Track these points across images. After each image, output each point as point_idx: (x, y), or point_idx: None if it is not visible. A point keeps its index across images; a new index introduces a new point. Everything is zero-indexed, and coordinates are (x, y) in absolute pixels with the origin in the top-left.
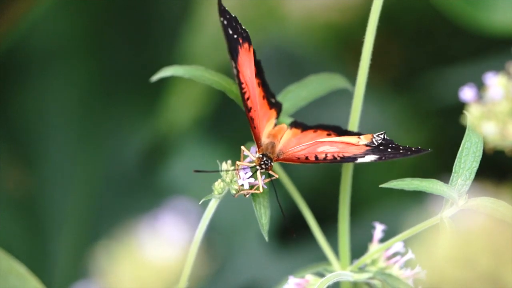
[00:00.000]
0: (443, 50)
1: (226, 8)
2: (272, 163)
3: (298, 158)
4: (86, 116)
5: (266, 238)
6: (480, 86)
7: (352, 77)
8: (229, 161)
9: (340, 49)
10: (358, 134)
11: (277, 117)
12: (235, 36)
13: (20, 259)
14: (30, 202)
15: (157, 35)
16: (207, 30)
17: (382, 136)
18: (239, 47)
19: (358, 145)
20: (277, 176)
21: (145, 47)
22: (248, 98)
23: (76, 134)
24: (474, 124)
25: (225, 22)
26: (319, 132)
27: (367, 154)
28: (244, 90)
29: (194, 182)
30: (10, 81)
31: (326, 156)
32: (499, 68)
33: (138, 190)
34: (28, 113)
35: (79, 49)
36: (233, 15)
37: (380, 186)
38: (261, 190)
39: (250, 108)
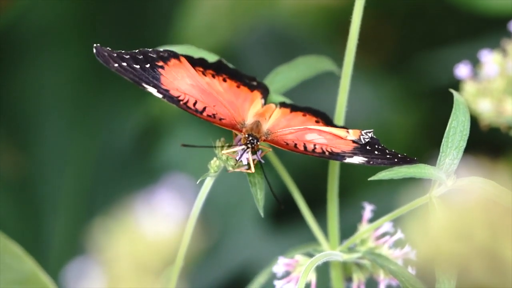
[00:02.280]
0: (437, 30)
1: (122, 52)
2: (258, 142)
3: (287, 144)
4: (80, 98)
5: (262, 214)
6: (475, 66)
7: (344, 58)
8: (222, 139)
9: (332, 30)
10: (343, 127)
11: (263, 97)
12: (147, 66)
13: (16, 239)
14: (26, 184)
15: (151, 18)
16: (201, 12)
17: (370, 135)
18: (160, 69)
19: (345, 140)
20: (270, 150)
21: (139, 30)
22: (195, 103)
23: (71, 116)
24: (469, 101)
25: (124, 64)
26: (308, 116)
27: (355, 154)
28: (186, 100)
29: (188, 161)
30: (4, 64)
31: (315, 148)
32: (493, 48)
33: (133, 170)
34: (23, 96)
35: (73, 32)
36: (133, 51)
37: (369, 179)
38: (253, 170)
39: (204, 107)
